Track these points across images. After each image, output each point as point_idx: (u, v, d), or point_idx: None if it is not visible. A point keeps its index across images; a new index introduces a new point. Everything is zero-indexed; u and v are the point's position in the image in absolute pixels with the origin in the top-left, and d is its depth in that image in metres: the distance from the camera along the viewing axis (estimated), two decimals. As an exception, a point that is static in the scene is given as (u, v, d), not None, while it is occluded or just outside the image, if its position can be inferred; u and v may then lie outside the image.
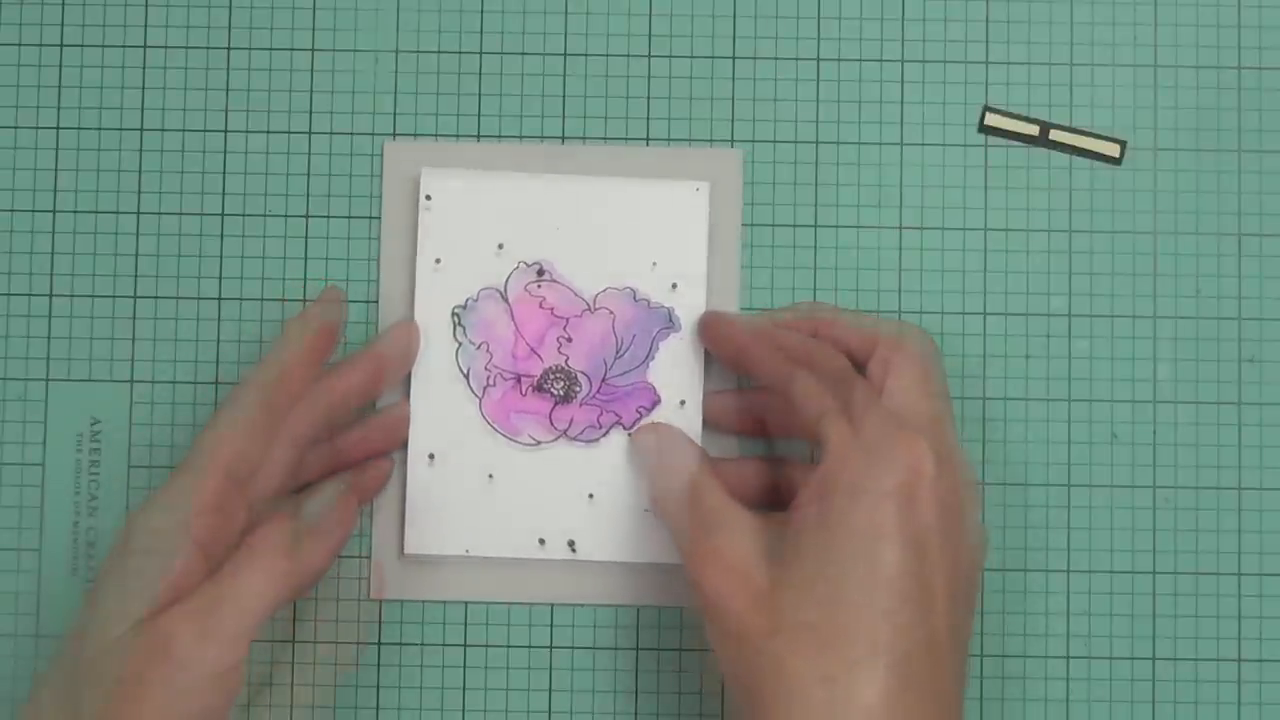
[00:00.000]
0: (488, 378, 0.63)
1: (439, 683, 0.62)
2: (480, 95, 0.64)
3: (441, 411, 0.62)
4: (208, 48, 0.64)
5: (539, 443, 0.62)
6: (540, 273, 0.63)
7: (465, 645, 0.62)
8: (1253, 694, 0.62)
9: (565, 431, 0.62)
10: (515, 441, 0.62)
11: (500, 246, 0.63)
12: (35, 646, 0.62)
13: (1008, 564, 0.62)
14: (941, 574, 0.53)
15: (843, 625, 0.52)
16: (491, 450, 0.62)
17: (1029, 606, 0.62)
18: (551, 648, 0.62)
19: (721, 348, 0.61)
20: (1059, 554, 0.62)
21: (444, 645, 0.62)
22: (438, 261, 0.63)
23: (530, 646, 0.62)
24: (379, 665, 0.62)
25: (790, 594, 0.53)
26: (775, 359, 0.59)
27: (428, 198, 0.63)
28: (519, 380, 0.63)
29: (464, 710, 0.62)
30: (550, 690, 0.62)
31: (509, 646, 0.62)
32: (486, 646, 0.62)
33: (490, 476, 0.62)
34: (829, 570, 0.53)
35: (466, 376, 0.62)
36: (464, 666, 0.62)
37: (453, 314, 0.63)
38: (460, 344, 0.62)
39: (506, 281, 0.63)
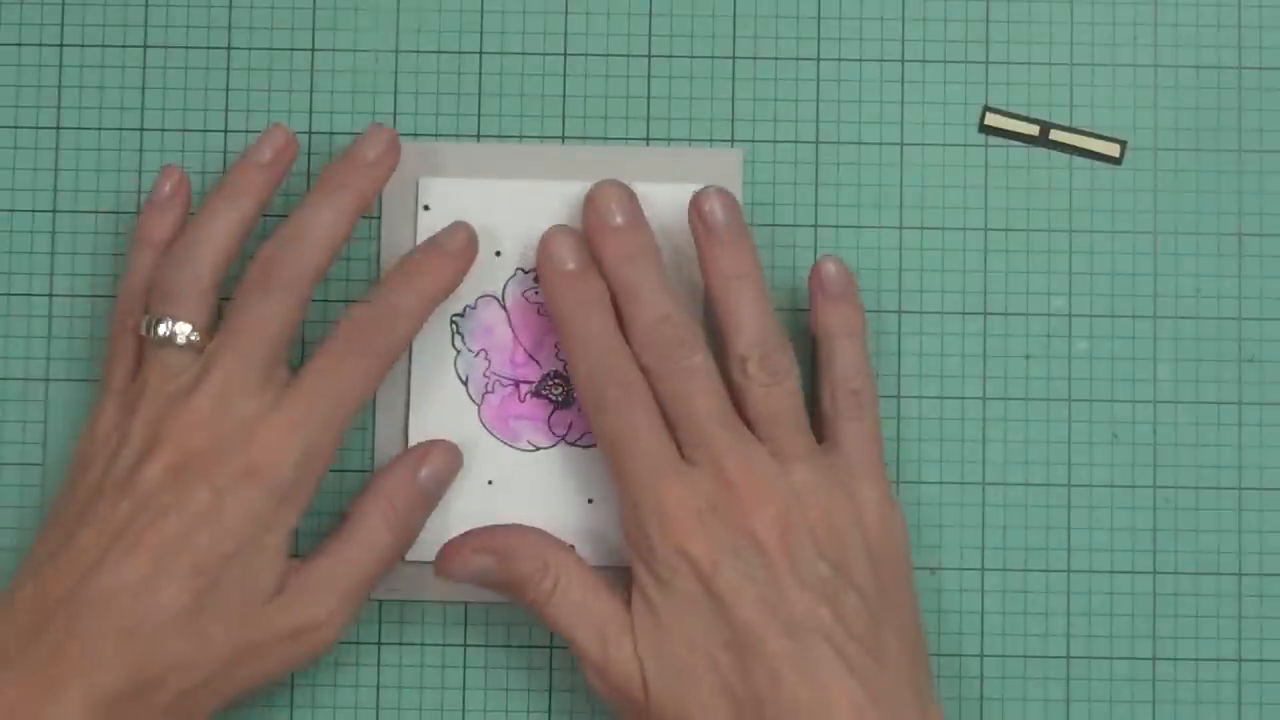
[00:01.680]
0: (486, 384, 0.63)
1: (439, 683, 0.62)
2: (480, 95, 0.64)
3: (441, 418, 0.62)
4: (208, 48, 0.64)
5: (538, 448, 0.62)
6: (538, 279, 0.63)
7: (465, 645, 0.62)
8: (1253, 694, 0.62)
9: (564, 436, 0.62)
10: (514, 447, 0.62)
11: (498, 253, 0.63)
12: (36, 647, 0.62)
13: (1008, 564, 0.62)
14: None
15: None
16: (491, 456, 0.62)
17: (1029, 606, 0.62)
18: (551, 648, 0.62)
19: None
20: (1059, 554, 0.62)
21: (444, 645, 0.62)
22: (435, 269, 0.63)
23: (530, 646, 0.62)
24: (379, 665, 0.62)
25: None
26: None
27: (425, 207, 0.63)
28: (517, 386, 0.63)
29: (464, 710, 0.62)
30: (550, 690, 0.62)
31: (509, 646, 0.62)
32: (486, 646, 0.62)
33: (490, 482, 0.62)
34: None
35: (465, 383, 0.62)
36: (464, 666, 0.62)
37: (451, 321, 0.63)
38: (459, 351, 0.62)
39: (504, 288, 0.63)
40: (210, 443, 0.56)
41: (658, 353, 0.58)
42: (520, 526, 0.60)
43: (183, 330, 0.57)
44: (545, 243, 0.60)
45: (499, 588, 0.59)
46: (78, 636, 0.53)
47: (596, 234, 0.60)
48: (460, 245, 0.60)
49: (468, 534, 0.60)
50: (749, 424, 0.58)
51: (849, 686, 0.54)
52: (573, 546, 0.62)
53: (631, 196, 0.60)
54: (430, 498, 0.60)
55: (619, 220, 0.60)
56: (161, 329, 0.57)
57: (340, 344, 0.58)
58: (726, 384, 0.58)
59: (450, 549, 0.59)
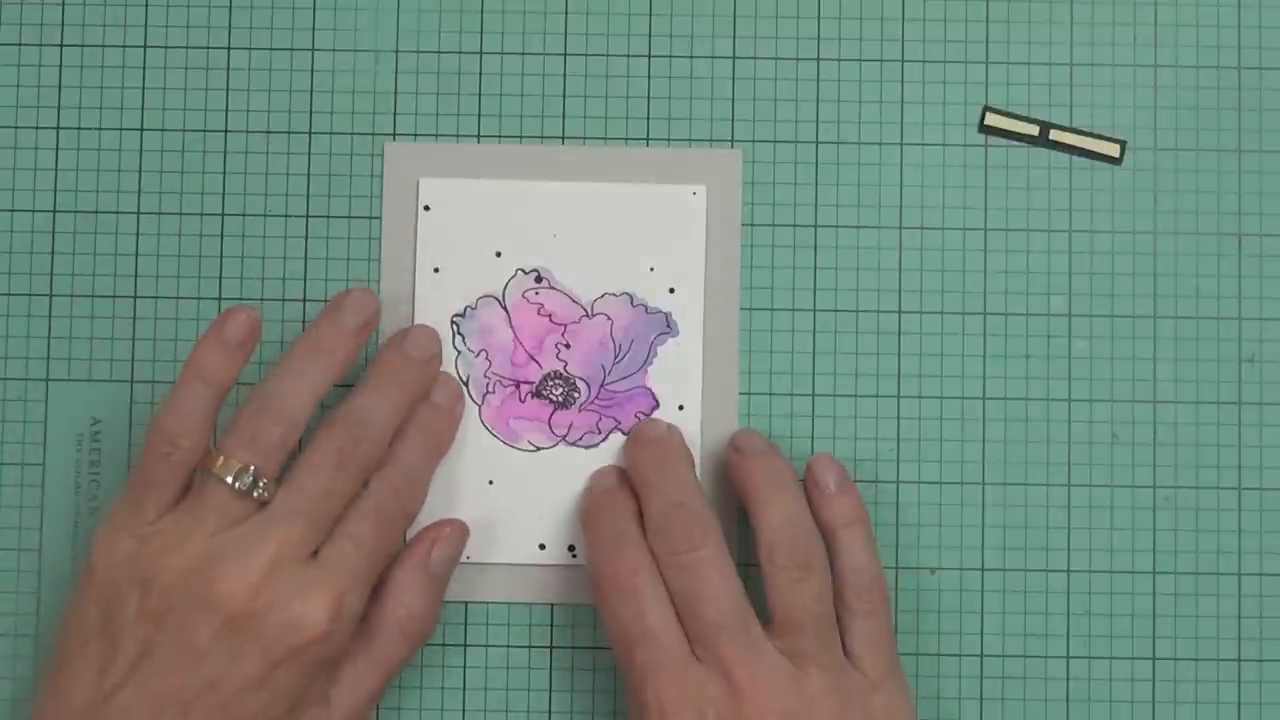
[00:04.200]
0: (487, 385, 0.63)
1: (439, 683, 0.62)
2: (480, 95, 0.64)
3: (440, 419, 0.62)
4: (208, 48, 0.64)
5: (538, 448, 0.62)
6: (538, 279, 0.63)
7: (465, 645, 0.62)
8: (1253, 694, 0.62)
9: (564, 437, 0.62)
10: (515, 447, 0.62)
11: (498, 254, 0.63)
12: (35, 647, 0.62)
13: (1008, 564, 0.62)
14: None
15: None
16: (491, 456, 0.62)
17: (1029, 606, 0.62)
18: (551, 648, 0.62)
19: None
20: (1059, 554, 0.62)
21: (444, 645, 0.62)
22: (436, 270, 0.63)
23: (530, 646, 0.62)
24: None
25: None
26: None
27: (426, 208, 0.63)
28: (518, 386, 0.63)
29: (464, 710, 0.62)
30: (550, 690, 0.62)
31: (509, 646, 0.62)
32: (486, 646, 0.62)
33: (490, 483, 0.62)
34: None
35: (466, 384, 0.62)
36: (464, 666, 0.62)
37: (452, 322, 0.63)
38: (460, 352, 0.62)
39: (505, 289, 0.63)
40: (262, 607, 0.55)
41: (667, 542, 0.58)
42: None
43: (262, 482, 0.57)
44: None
45: None
46: None
47: (630, 442, 0.62)
48: (453, 401, 0.62)
49: None
50: (770, 614, 0.58)
51: None
52: (572, 547, 0.62)
53: (672, 428, 0.62)
54: (443, 581, 0.61)
55: (653, 434, 0.61)
56: (244, 477, 0.56)
57: (376, 514, 0.58)
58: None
59: None
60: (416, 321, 0.63)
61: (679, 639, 0.57)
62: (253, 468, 0.56)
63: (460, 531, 0.61)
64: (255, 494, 0.56)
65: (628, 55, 0.64)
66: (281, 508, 0.57)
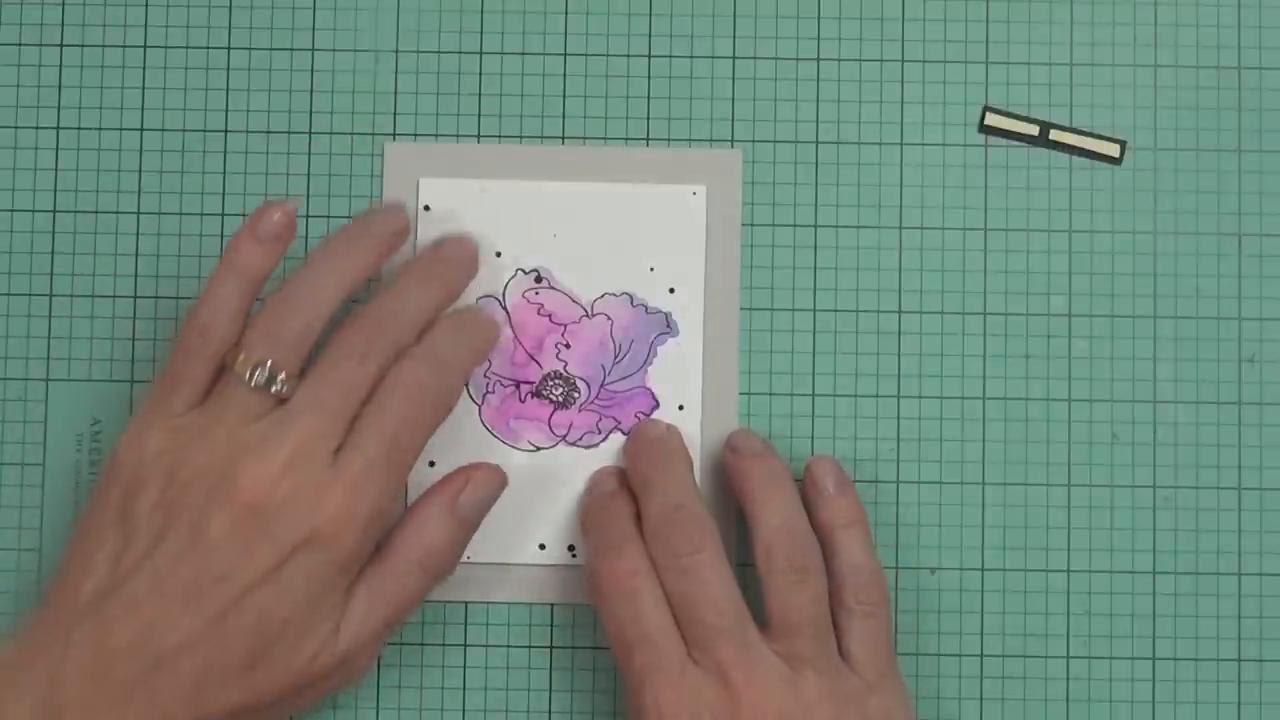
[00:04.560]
0: (487, 385, 0.63)
1: (439, 683, 0.62)
2: (480, 95, 0.64)
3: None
4: (208, 48, 0.64)
5: (538, 448, 0.62)
6: (538, 279, 0.63)
7: (465, 645, 0.62)
8: (1253, 694, 0.62)
9: (564, 437, 0.62)
10: (515, 447, 0.62)
11: (498, 254, 0.63)
12: (36, 647, 0.62)
13: (1008, 564, 0.62)
14: None
15: None
16: (491, 456, 0.62)
17: (1029, 606, 0.62)
18: (551, 648, 0.62)
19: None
20: (1059, 554, 0.62)
21: (444, 645, 0.62)
22: (436, 270, 0.63)
23: (530, 646, 0.62)
24: (379, 665, 0.62)
25: None
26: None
27: (426, 207, 0.63)
28: (518, 386, 0.63)
29: (464, 710, 0.62)
30: (550, 690, 0.62)
31: (509, 646, 0.62)
32: (486, 646, 0.62)
33: (490, 482, 0.62)
34: None
35: (466, 384, 0.62)
36: (464, 666, 0.62)
37: (452, 322, 0.63)
38: (459, 351, 0.63)
39: (505, 289, 0.63)
40: (279, 501, 0.55)
41: (665, 545, 0.58)
42: None
43: (280, 377, 0.56)
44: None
45: None
46: (144, 693, 0.53)
47: (629, 443, 0.62)
48: (495, 323, 0.62)
49: None
50: (767, 617, 0.58)
51: None
52: (572, 547, 0.62)
53: (671, 428, 0.62)
54: (471, 524, 0.60)
55: (652, 434, 0.61)
56: (260, 373, 0.56)
57: (397, 407, 0.57)
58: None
59: None
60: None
61: (676, 642, 0.57)
62: (269, 363, 0.56)
63: (495, 475, 0.60)
64: (274, 389, 0.56)
65: (628, 55, 0.64)
66: (300, 403, 0.56)
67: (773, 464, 0.60)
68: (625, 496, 0.60)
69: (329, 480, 0.55)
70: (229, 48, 0.64)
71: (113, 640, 0.54)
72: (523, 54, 0.64)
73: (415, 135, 0.64)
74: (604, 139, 0.64)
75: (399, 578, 0.57)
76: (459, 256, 0.61)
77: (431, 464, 0.62)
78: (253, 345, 0.56)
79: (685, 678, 0.56)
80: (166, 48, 0.64)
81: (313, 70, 0.64)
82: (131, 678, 0.53)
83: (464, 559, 0.62)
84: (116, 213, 0.63)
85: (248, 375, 0.56)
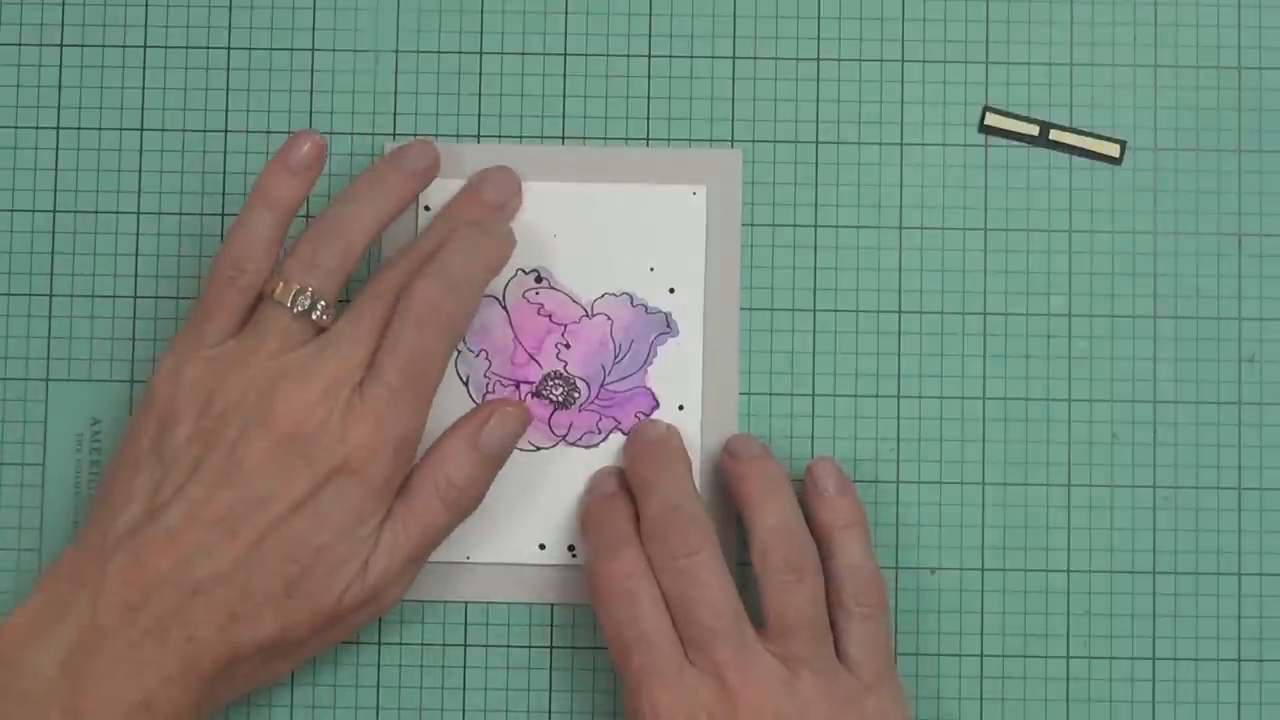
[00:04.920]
0: (487, 385, 0.63)
1: (439, 683, 0.62)
2: (480, 95, 0.64)
3: (442, 419, 0.62)
4: (208, 48, 0.64)
5: (538, 448, 0.62)
6: (538, 279, 0.63)
7: (465, 645, 0.62)
8: (1253, 694, 0.62)
9: (565, 437, 0.62)
10: (515, 447, 0.62)
11: (498, 254, 0.63)
12: (36, 647, 0.62)
13: (1008, 564, 0.62)
14: None
15: None
16: (491, 456, 0.62)
17: (1029, 606, 0.62)
18: (551, 648, 0.62)
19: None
20: (1059, 554, 0.62)
21: (444, 645, 0.62)
22: (436, 270, 0.63)
23: (530, 646, 0.62)
24: (379, 665, 0.62)
25: None
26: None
27: (426, 208, 0.63)
28: (518, 386, 0.63)
29: (464, 710, 0.62)
30: (550, 690, 0.62)
31: (509, 646, 0.62)
32: (486, 646, 0.62)
33: (490, 482, 0.62)
34: None
35: (466, 384, 0.62)
36: (464, 666, 0.62)
37: (452, 322, 0.63)
38: (460, 351, 0.62)
39: (505, 289, 0.63)
40: (314, 429, 0.56)
41: (663, 546, 0.58)
42: None
43: (320, 304, 0.57)
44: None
45: None
46: (180, 623, 0.54)
47: (629, 443, 0.62)
48: (508, 234, 0.61)
49: None
50: (764, 618, 0.57)
51: None
52: (572, 547, 0.62)
53: (671, 429, 0.62)
54: (494, 460, 0.60)
55: (652, 435, 0.61)
56: (302, 299, 0.57)
57: (411, 331, 0.57)
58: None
59: None
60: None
61: (673, 644, 0.57)
62: (310, 290, 0.57)
63: (521, 412, 0.60)
64: (314, 316, 0.57)
65: (628, 55, 0.64)
66: (339, 332, 0.57)
67: (770, 467, 0.60)
68: (624, 498, 0.60)
69: (357, 410, 0.56)
70: (229, 48, 0.64)
71: (149, 570, 0.54)
72: (523, 54, 0.64)
73: (415, 135, 0.64)
74: (604, 139, 0.64)
75: (423, 512, 0.58)
76: (505, 190, 0.62)
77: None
78: (293, 273, 0.57)
79: (682, 679, 0.56)
80: (166, 48, 0.64)
81: (313, 70, 0.64)
82: (168, 608, 0.54)
83: (464, 559, 0.62)
84: (116, 213, 0.64)
85: (289, 302, 0.57)
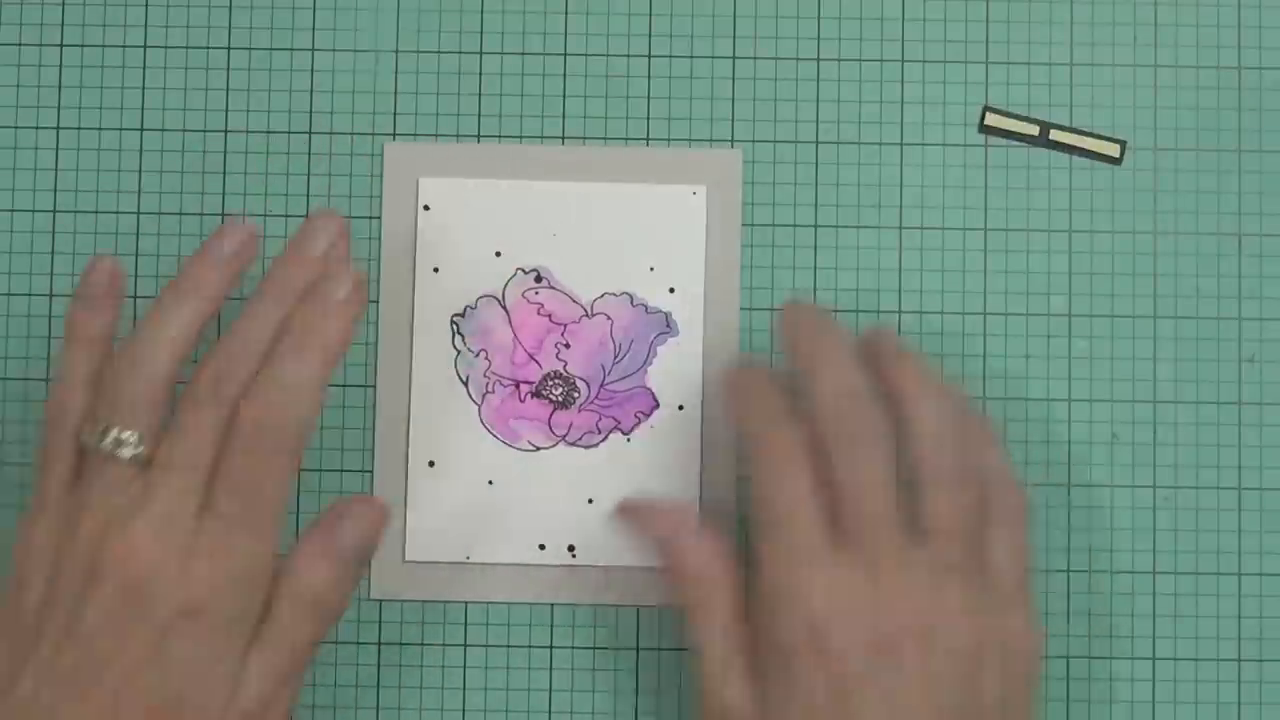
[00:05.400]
0: (486, 384, 0.63)
1: (439, 683, 0.62)
2: (480, 95, 0.64)
3: (441, 419, 0.62)
4: (208, 48, 0.64)
5: (538, 448, 0.62)
6: (538, 279, 0.63)
7: (465, 645, 0.62)
8: (1253, 694, 0.62)
9: (564, 437, 0.62)
10: (514, 447, 0.62)
11: (498, 254, 0.63)
12: (36, 647, 0.62)
13: (1007, 564, 0.62)
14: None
15: None
16: (491, 456, 0.62)
17: (1029, 606, 0.62)
18: (551, 648, 0.62)
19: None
20: (1059, 554, 0.62)
21: (444, 645, 0.62)
22: (436, 270, 0.63)
23: (530, 646, 0.62)
24: (379, 665, 0.62)
25: None
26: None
27: (426, 208, 0.63)
28: (518, 386, 0.63)
29: (464, 710, 0.62)
30: (550, 690, 0.62)
31: (509, 646, 0.62)
32: (486, 646, 0.62)
33: (490, 483, 0.62)
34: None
35: (465, 384, 0.62)
36: (464, 666, 0.62)
37: (451, 321, 0.63)
38: (459, 351, 0.63)
39: (505, 288, 0.63)
40: (149, 575, 0.52)
41: (842, 426, 0.55)
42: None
43: (130, 440, 0.53)
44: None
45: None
46: None
47: (788, 325, 0.58)
48: (349, 291, 0.56)
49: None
50: (921, 521, 0.55)
51: None
52: (572, 547, 0.62)
53: (833, 316, 0.60)
54: (353, 564, 0.56)
55: (814, 315, 0.58)
56: (108, 440, 0.53)
57: (242, 454, 0.53)
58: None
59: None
60: (416, 322, 0.63)
61: (826, 526, 0.54)
62: (116, 429, 0.53)
63: (375, 511, 0.56)
64: (128, 454, 0.53)
65: (628, 55, 0.64)
66: (164, 461, 0.53)
67: (927, 365, 0.57)
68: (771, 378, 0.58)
69: (193, 545, 0.53)
70: (229, 48, 0.64)
71: None
72: (523, 54, 0.64)
73: (415, 135, 0.64)
74: (604, 139, 0.64)
75: (290, 629, 0.54)
76: (320, 250, 0.57)
77: (431, 464, 0.62)
78: (101, 413, 0.54)
79: (834, 561, 0.54)
80: (166, 48, 0.64)
81: (313, 70, 0.64)
82: None
83: (464, 559, 0.62)
84: (116, 213, 0.63)
85: (100, 444, 0.53)
